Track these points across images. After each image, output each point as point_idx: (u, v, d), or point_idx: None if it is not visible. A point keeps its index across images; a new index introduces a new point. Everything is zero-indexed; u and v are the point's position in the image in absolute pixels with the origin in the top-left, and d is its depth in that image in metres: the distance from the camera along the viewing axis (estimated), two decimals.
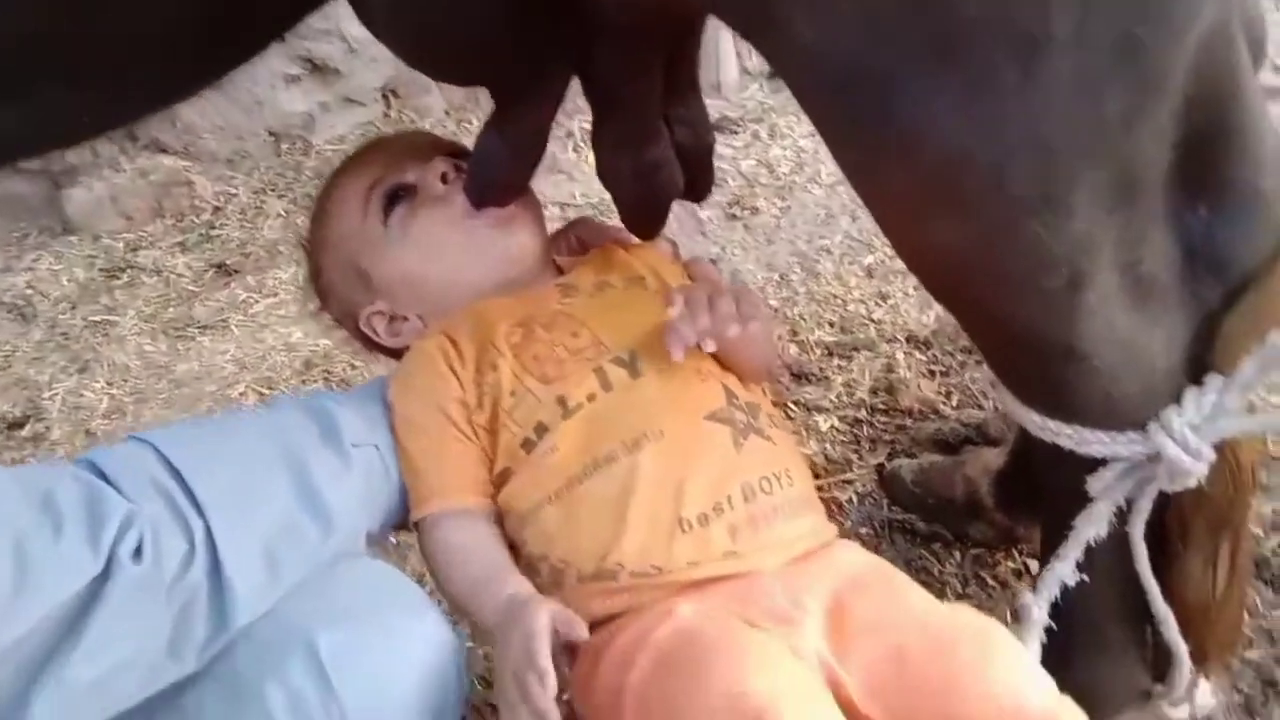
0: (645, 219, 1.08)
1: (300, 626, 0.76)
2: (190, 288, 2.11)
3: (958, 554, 1.39)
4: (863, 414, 1.61)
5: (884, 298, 1.84)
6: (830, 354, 1.73)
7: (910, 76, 0.64)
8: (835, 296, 1.86)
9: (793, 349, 1.75)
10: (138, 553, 0.73)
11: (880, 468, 1.51)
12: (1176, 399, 0.80)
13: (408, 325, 1.06)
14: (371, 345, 1.12)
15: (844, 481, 1.51)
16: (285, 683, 0.74)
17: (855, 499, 1.48)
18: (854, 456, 1.55)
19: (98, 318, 2.07)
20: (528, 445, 0.93)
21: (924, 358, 1.69)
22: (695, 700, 0.72)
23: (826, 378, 1.68)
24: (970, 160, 0.65)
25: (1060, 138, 0.64)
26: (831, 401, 1.64)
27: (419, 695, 0.78)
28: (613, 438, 0.90)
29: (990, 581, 1.34)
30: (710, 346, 0.90)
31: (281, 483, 0.84)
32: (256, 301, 2.04)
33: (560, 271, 1.10)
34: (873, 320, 1.80)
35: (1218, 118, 0.72)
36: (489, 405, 0.96)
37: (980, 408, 1.55)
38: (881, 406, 1.62)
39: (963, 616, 0.83)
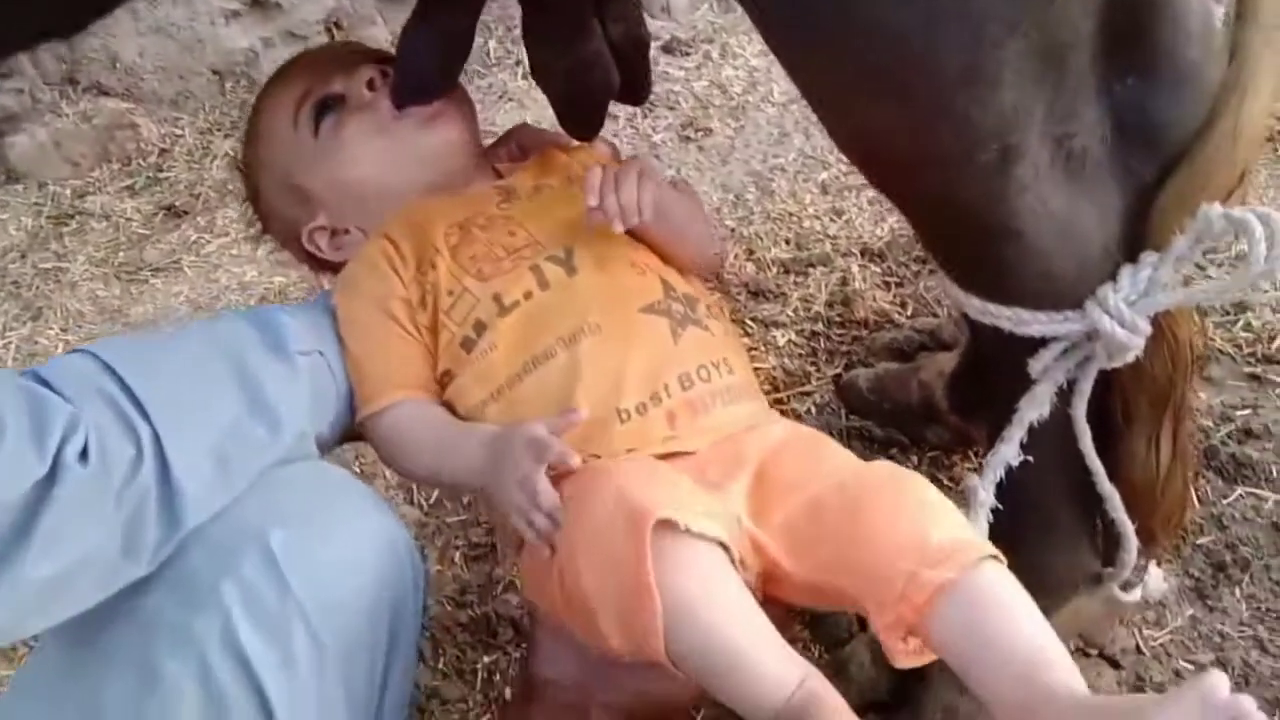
0: (580, 119, 1.07)
1: (252, 525, 0.77)
2: (140, 231, 2.08)
3: (915, 458, 1.41)
4: (819, 327, 1.62)
5: (839, 213, 1.84)
6: (786, 271, 1.74)
7: None
8: (790, 214, 1.87)
9: (749, 267, 1.76)
10: (84, 456, 0.72)
11: (837, 378, 1.52)
12: (1113, 277, 0.81)
13: (349, 238, 1.06)
14: (317, 264, 1.12)
15: (802, 393, 1.53)
16: (240, 580, 0.75)
17: (814, 410, 1.50)
18: (811, 369, 1.57)
19: (48, 265, 2.04)
20: (467, 344, 0.94)
21: (879, 270, 1.71)
22: (591, 500, 0.77)
23: (783, 294, 1.69)
24: (904, 42, 0.65)
25: (986, 6, 0.64)
26: (788, 316, 1.65)
27: (375, 587, 0.80)
28: (550, 334, 0.91)
29: (947, 483, 1.37)
30: (618, 226, 0.91)
31: (227, 386, 0.84)
32: (208, 242, 2.02)
33: (500, 177, 1.10)
34: (828, 235, 1.80)
35: None
36: (430, 304, 0.96)
37: (935, 315, 1.57)
38: (838, 319, 1.63)
39: (877, 469, 0.85)
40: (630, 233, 0.98)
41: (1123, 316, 0.79)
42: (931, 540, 0.76)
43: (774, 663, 0.75)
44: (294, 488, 0.83)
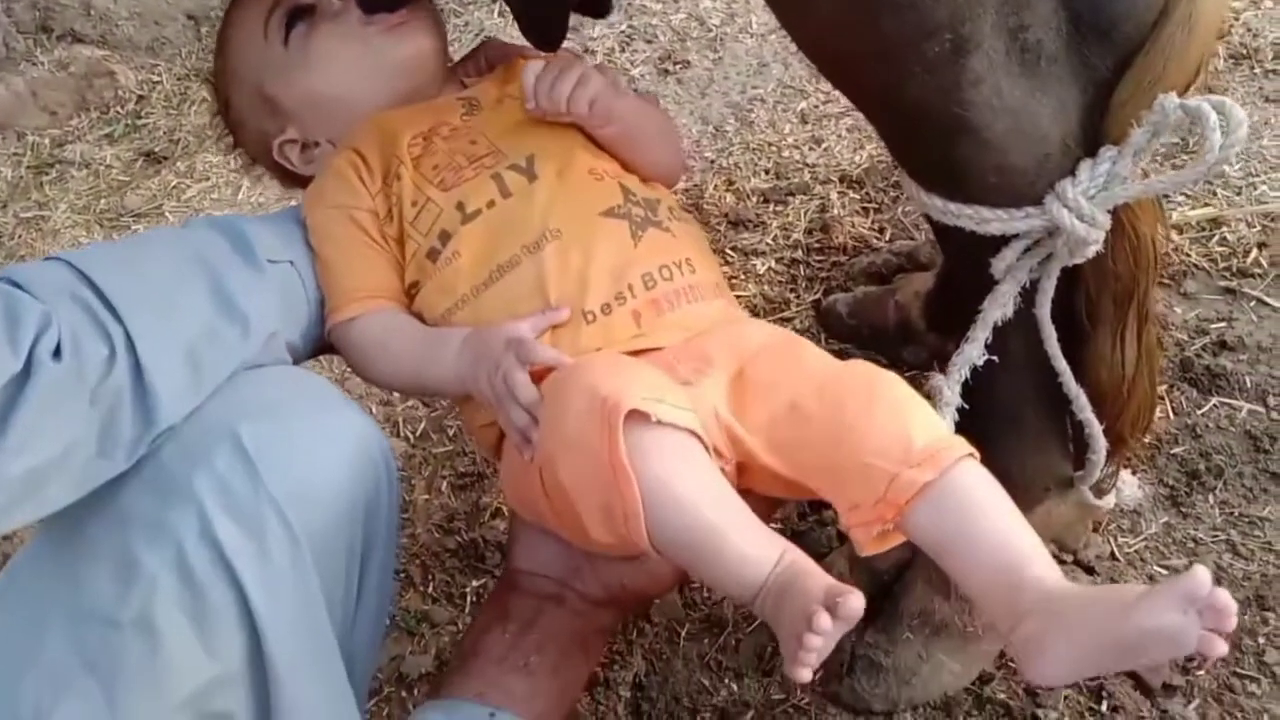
0: (542, 28, 1.07)
1: (223, 420, 0.78)
2: (121, 178, 2.08)
3: None
4: (799, 254, 1.63)
5: (818, 141, 1.84)
6: (766, 200, 1.74)
7: None
8: (770, 144, 1.87)
9: (729, 198, 1.76)
10: (57, 354, 0.73)
11: (817, 304, 1.54)
12: (1073, 172, 0.82)
13: (319, 150, 1.07)
14: (288, 177, 1.12)
15: (782, 319, 1.54)
16: (212, 472, 0.76)
17: None
18: (791, 295, 1.58)
19: (29, 214, 2.04)
20: (432, 254, 0.95)
21: (857, 196, 1.71)
22: (565, 396, 0.78)
23: (763, 223, 1.70)
24: None
25: None
26: (768, 245, 1.66)
27: (348, 483, 0.81)
28: (514, 242, 0.92)
29: (926, 389, 1.38)
30: (553, 115, 0.94)
31: (197, 290, 0.85)
32: (189, 187, 2.02)
33: (466, 89, 1.10)
34: (807, 164, 1.80)
35: None
36: (396, 216, 0.97)
37: (912, 239, 1.58)
38: (816, 246, 1.64)
39: (855, 369, 0.86)
40: (587, 136, 0.99)
41: (1082, 210, 0.80)
42: (912, 441, 0.78)
43: (754, 542, 0.76)
44: (264, 385, 0.84)
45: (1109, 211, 0.82)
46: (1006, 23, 0.74)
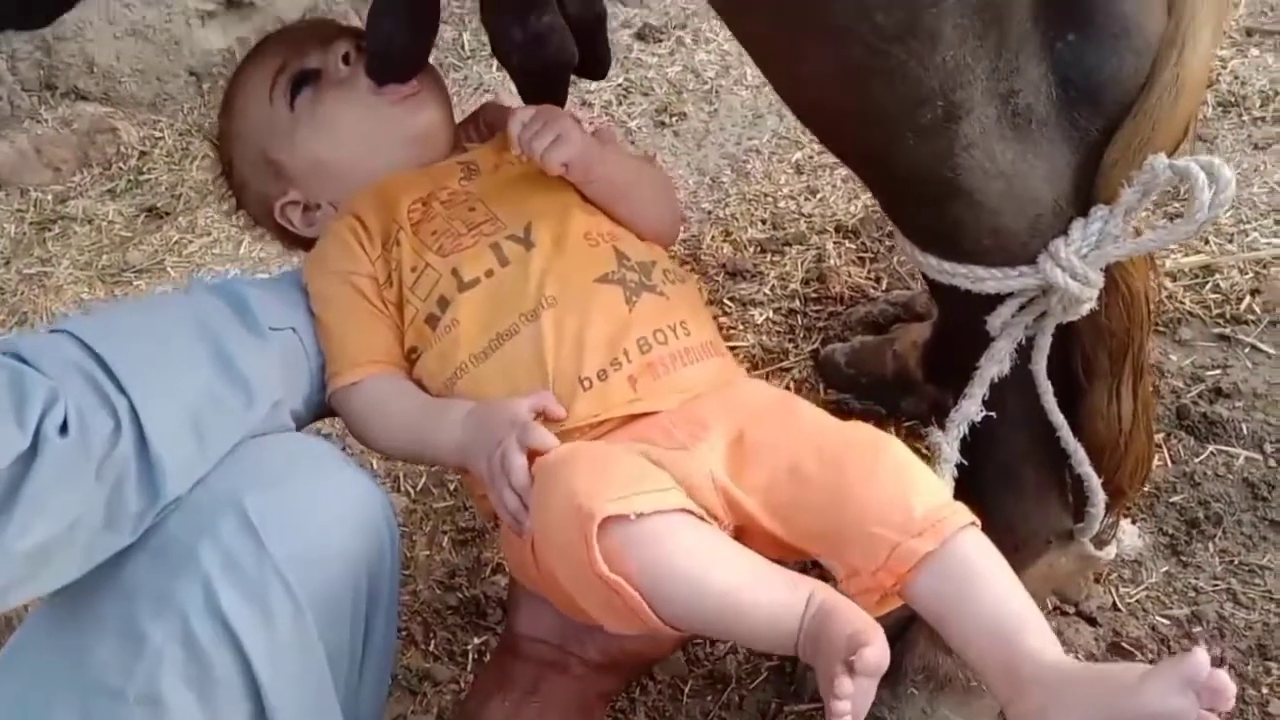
0: (541, 92, 1.09)
1: (227, 490, 0.79)
2: (123, 234, 2.09)
3: (892, 429, 1.43)
4: (796, 304, 1.65)
5: (813, 192, 1.87)
6: (763, 250, 1.76)
7: None
8: (766, 194, 1.89)
9: (726, 248, 1.78)
10: (64, 429, 0.74)
11: (815, 354, 1.55)
12: (1065, 231, 0.83)
13: (321, 213, 1.07)
14: (290, 239, 1.13)
15: (781, 369, 1.55)
16: (217, 544, 0.76)
17: (793, 385, 1.52)
18: (790, 346, 1.59)
19: (32, 270, 2.05)
20: (431, 320, 0.96)
21: (853, 246, 1.73)
22: (546, 499, 0.79)
23: (760, 273, 1.71)
24: None
25: None
26: (766, 295, 1.67)
27: (351, 548, 0.82)
28: (512, 311, 0.93)
29: (925, 451, 1.39)
30: (525, 153, 0.96)
31: (200, 359, 0.86)
32: (191, 242, 2.03)
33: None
34: (803, 214, 1.82)
35: None
36: (396, 281, 0.98)
37: (908, 288, 1.59)
38: (814, 296, 1.65)
39: (855, 433, 0.87)
40: (581, 196, 1.00)
41: (1075, 269, 0.81)
42: (913, 509, 0.78)
43: (777, 593, 0.76)
44: (267, 453, 0.85)
45: (1102, 269, 0.83)
46: (997, 88, 0.75)
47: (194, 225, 2.07)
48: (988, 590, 0.77)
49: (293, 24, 1.24)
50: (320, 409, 0.99)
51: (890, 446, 0.84)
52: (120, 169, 2.26)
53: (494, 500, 0.86)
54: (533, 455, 0.84)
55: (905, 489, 0.79)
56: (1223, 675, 0.66)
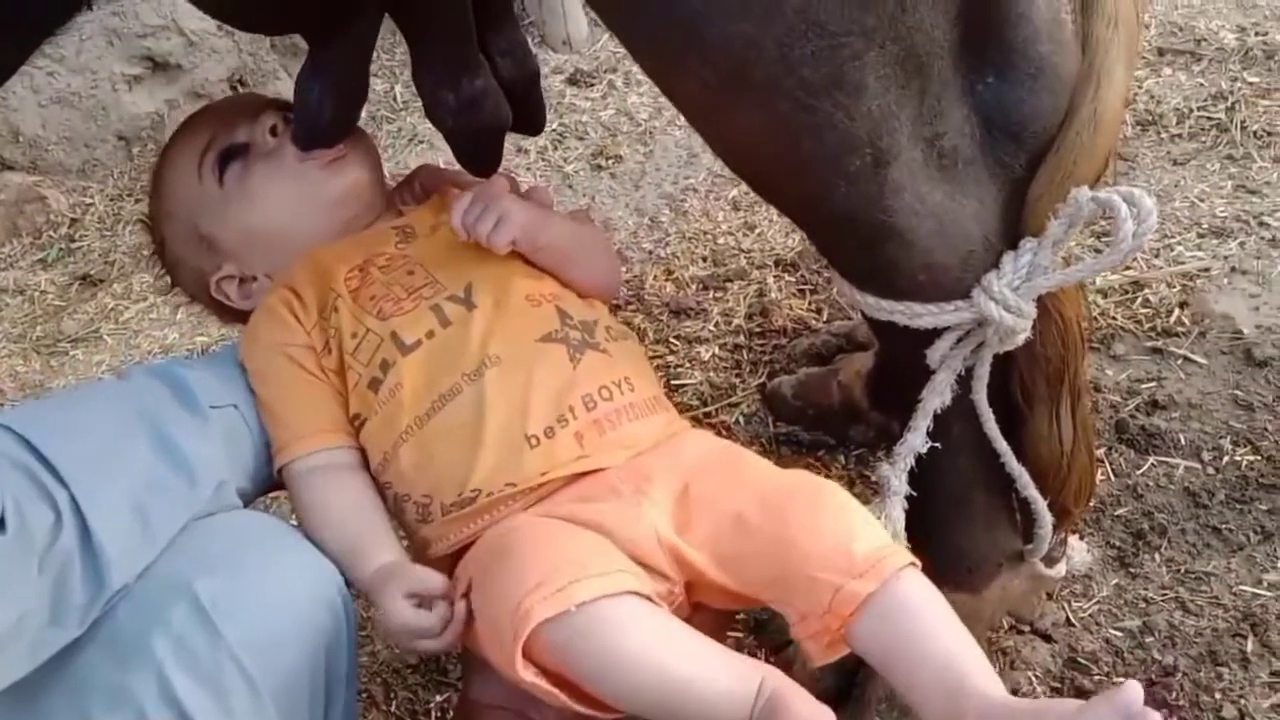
0: (476, 154, 1.10)
1: (178, 577, 0.78)
2: (56, 303, 2.06)
3: (842, 458, 1.45)
4: (741, 339, 1.66)
5: (751, 228, 1.89)
6: (705, 287, 1.78)
7: None
8: (705, 232, 1.91)
9: (669, 287, 1.79)
10: (1, 525, 0.73)
11: (762, 387, 1.56)
12: (996, 265, 0.85)
13: (257, 285, 1.07)
14: (227, 313, 1.12)
15: (730, 405, 1.56)
16: (169, 632, 0.75)
17: (742, 420, 1.54)
18: (737, 380, 1.60)
19: None
20: (374, 385, 0.96)
21: (793, 279, 1.75)
22: (487, 598, 0.81)
23: (704, 310, 1.73)
24: (756, 46, 0.68)
25: (836, 20, 0.68)
26: (710, 331, 1.69)
27: (307, 627, 0.81)
28: (454, 371, 0.93)
29: (874, 479, 1.40)
30: (471, 237, 0.97)
31: (139, 442, 0.85)
32: (126, 309, 2.00)
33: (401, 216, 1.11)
34: (742, 250, 1.84)
35: None
36: (335, 349, 0.98)
37: (849, 318, 1.61)
38: (758, 330, 1.67)
39: (795, 480, 0.89)
40: (523, 259, 1.01)
41: (1007, 301, 0.84)
42: (855, 552, 0.80)
43: (727, 678, 0.76)
44: (216, 535, 0.84)
45: (1034, 300, 0.85)
46: (922, 133, 0.78)
47: (129, 291, 2.04)
48: (930, 630, 0.79)
49: (218, 100, 1.24)
50: (268, 483, 0.98)
51: (831, 493, 0.86)
52: (51, 238, 2.22)
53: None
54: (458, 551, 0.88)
55: (846, 534, 0.81)
56: (1154, 715, 0.69)
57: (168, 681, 0.74)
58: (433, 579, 0.86)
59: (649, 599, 0.80)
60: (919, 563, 0.82)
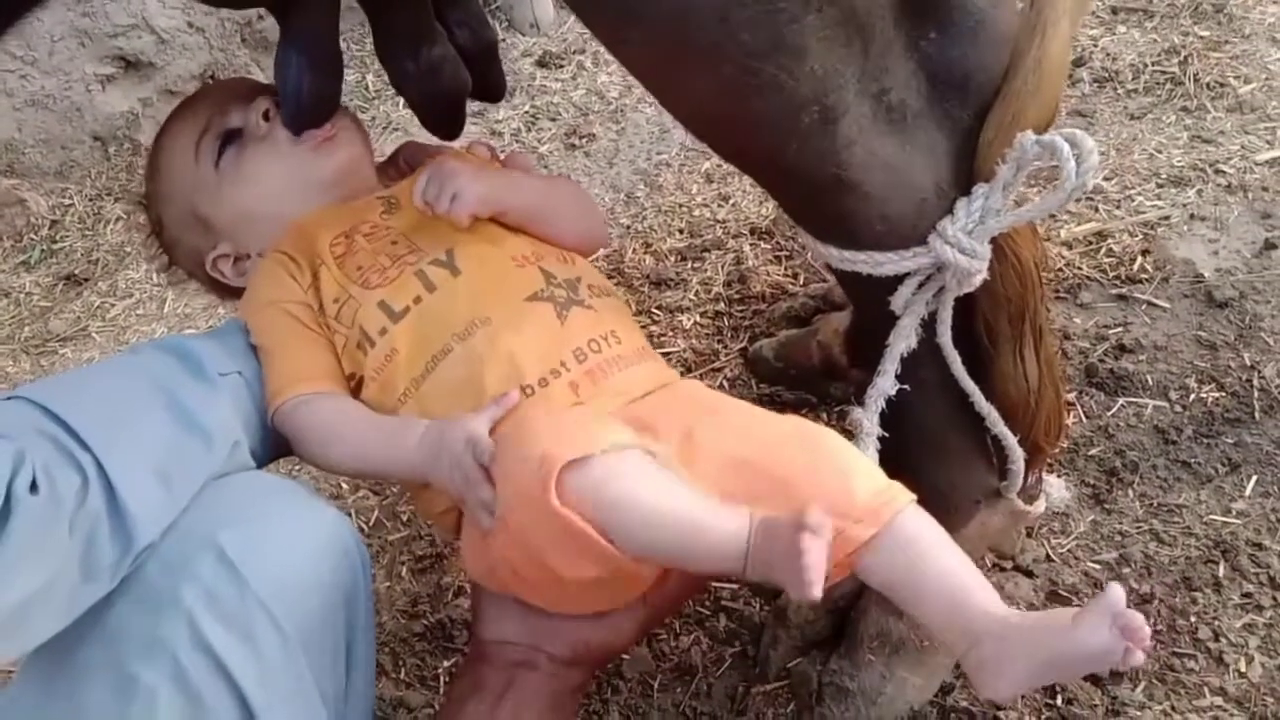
0: (440, 119, 1.14)
1: (203, 531, 0.81)
2: (42, 303, 2.08)
3: (825, 415, 1.49)
4: (721, 306, 1.70)
5: (725, 198, 1.92)
6: (683, 258, 1.81)
7: None
8: (680, 205, 1.94)
9: (648, 260, 1.83)
10: (33, 488, 0.75)
11: (744, 351, 1.60)
12: (950, 211, 0.89)
13: (251, 263, 1.10)
14: (222, 290, 1.15)
15: (713, 370, 1.60)
16: (198, 582, 0.78)
17: (726, 384, 1.57)
18: (719, 347, 1.64)
19: None
20: (361, 346, 0.99)
21: (769, 246, 1.79)
22: (510, 463, 0.84)
23: (684, 280, 1.76)
24: (696, 13, 0.71)
25: None
26: (691, 300, 1.72)
27: (328, 575, 0.84)
28: (445, 332, 0.97)
29: (847, 424, 1.45)
30: (432, 212, 1.00)
31: (155, 408, 0.88)
32: (113, 306, 2.02)
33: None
34: (718, 221, 1.88)
35: None
36: (320, 310, 1.01)
37: (824, 281, 1.65)
38: (737, 297, 1.71)
39: (793, 425, 0.93)
40: (499, 224, 1.05)
41: (962, 244, 0.87)
42: (854, 496, 0.84)
43: (725, 518, 0.82)
44: (234, 491, 0.87)
45: (989, 242, 0.89)
46: (868, 89, 0.81)
47: (114, 289, 2.07)
48: (933, 561, 0.84)
49: (211, 85, 1.27)
50: (277, 448, 1.02)
51: (827, 437, 0.90)
52: (32, 239, 2.24)
53: (466, 510, 0.90)
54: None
55: (845, 477, 0.85)
56: (1136, 616, 0.75)
57: (198, 628, 0.77)
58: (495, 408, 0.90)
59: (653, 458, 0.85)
60: (915, 498, 0.86)
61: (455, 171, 1.01)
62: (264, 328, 1.02)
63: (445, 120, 1.16)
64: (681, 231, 1.88)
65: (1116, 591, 0.76)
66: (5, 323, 2.04)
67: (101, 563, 0.78)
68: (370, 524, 1.50)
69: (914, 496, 0.86)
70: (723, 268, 1.77)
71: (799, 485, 0.84)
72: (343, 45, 1.13)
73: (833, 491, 0.84)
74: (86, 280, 2.10)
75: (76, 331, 1.98)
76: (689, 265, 1.80)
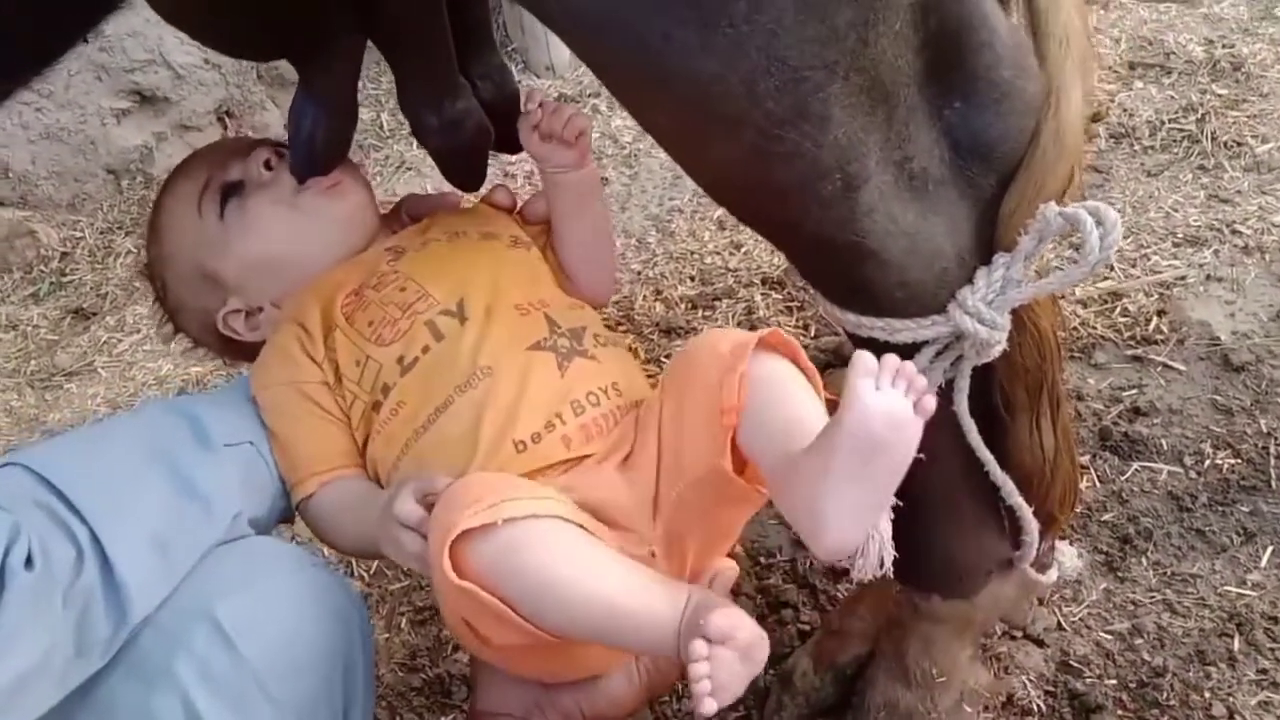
0: (462, 171, 1.14)
1: (199, 602, 0.80)
2: (49, 337, 2.07)
3: None
4: None
5: (737, 246, 1.92)
6: (694, 306, 1.80)
7: (651, 16, 0.70)
8: (692, 252, 1.94)
9: (659, 307, 1.82)
10: (28, 563, 0.74)
11: None
12: (970, 280, 0.87)
13: (264, 315, 1.10)
14: (234, 349, 1.14)
15: None
16: (192, 655, 0.78)
17: None
18: None
19: None
20: (376, 407, 0.99)
21: (780, 297, 1.78)
22: (431, 529, 0.82)
23: (694, 328, 1.75)
24: (722, 81, 0.71)
25: (797, 55, 0.70)
26: None
27: (324, 641, 0.83)
28: (448, 384, 0.96)
29: None
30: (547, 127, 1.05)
31: (155, 476, 0.87)
32: (120, 341, 2.02)
33: None
34: (729, 269, 1.87)
35: (953, 19, 0.79)
36: (337, 376, 1.01)
37: (836, 334, 1.64)
38: None
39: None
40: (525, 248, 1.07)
41: (982, 315, 0.86)
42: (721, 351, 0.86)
43: (655, 597, 0.79)
44: (232, 560, 0.86)
45: (1008, 312, 0.87)
46: (891, 156, 0.80)
47: (122, 323, 2.06)
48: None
49: (207, 145, 1.27)
50: (282, 516, 1.01)
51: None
52: (42, 272, 2.25)
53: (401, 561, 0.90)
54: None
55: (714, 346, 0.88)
56: (892, 357, 0.75)
57: (192, 703, 0.76)
58: (439, 479, 0.88)
59: (581, 527, 0.83)
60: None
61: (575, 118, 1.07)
62: (278, 410, 1.01)
63: (466, 172, 1.16)
64: (693, 279, 1.87)
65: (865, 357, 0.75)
66: (12, 356, 2.04)
67: (95, 638, 0.77)
68: (371, 573, 1.48)
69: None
70: (733, 317, 1.76)
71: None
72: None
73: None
74: (94, 314, 2.10)
75: (82, 366, 1.97)
76: (699, 313, 1.79)
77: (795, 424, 0.81)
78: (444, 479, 0.87)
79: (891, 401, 0.73)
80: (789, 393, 0.85)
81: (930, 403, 0.73)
